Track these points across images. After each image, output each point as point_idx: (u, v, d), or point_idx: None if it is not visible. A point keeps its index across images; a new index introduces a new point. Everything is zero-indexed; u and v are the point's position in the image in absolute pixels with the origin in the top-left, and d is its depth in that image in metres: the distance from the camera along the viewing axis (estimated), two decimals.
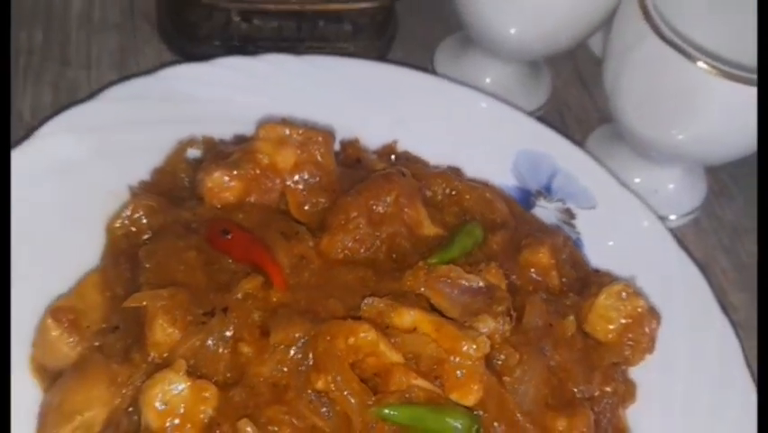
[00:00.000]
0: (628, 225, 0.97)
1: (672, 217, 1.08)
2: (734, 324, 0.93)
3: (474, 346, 0.71)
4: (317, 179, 0.85)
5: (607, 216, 0.98)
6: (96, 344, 0.75)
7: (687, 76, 0.91)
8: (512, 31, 1.05)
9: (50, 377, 0.75)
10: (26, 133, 0.89)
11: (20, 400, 0.73)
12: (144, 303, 0.72)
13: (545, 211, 0.99)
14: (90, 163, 0.88)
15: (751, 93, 0.89)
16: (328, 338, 0.70)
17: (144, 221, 0.82)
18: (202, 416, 0.68)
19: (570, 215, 0.99)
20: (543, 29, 1.04)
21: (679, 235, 1.01)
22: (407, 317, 0.73)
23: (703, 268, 0.98)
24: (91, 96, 0.96)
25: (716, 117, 0.94)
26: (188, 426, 0.68)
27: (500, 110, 1.03)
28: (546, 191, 1.00)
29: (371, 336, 0.69)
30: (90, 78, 1.06)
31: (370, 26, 1.11)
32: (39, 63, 1.05)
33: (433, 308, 0.77)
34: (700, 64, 0.90)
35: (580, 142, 1.11)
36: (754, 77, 0.89)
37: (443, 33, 1.22)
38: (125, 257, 0.80)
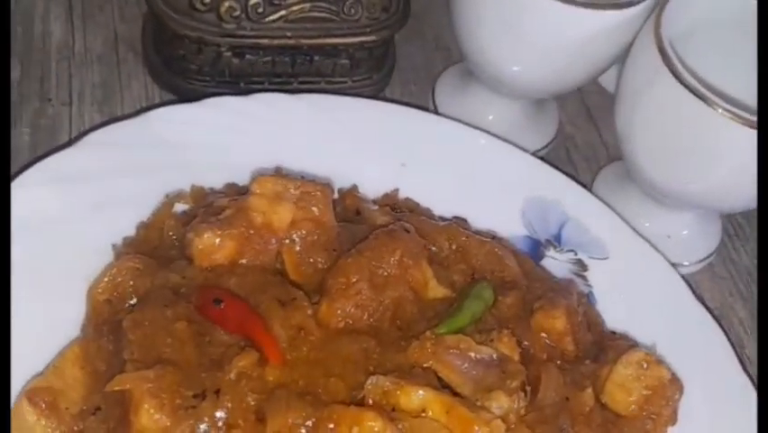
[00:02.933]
0: (643, 278, 0.92)
1: (686, 263, 1.03)
2: (753, 381, 0.88)
3: (488, 430, 0.66)
4: (315, 237, 0.80)
5: (620, 268, 0.93)
6: (76, 428, 0.69)
7: (705, 122, 0.86)
8: (515, 68, 0.99)
9: None
10: None
11: None
12: (128, 386, 0.66)
13: (556, 263, 0.93)
14: (70, 218, 0.82)
15: None
16: (331, 426, 0.64)
17: (129, 285, 0.76)
18: None
19: (582, 266, 0.94)
20: (550, 67, 0.98)
21: (693, 283, 0.96)
22: (415, 397, 0.67)
23: (720, 319, 0.93)
24: (72, 140, 0.90)
25: (735, 167, 0.88)
26: None
27: (507, 153, 0.98)
28: (556, 241, 0.95)
29: (379, 425, 0.64)
30: (72, 116, 0.99)
31: (368, 60, 1.05)
32: (16, 101, 0.98)
33: (442, 383, 0.71)
34: (720, 111, 0.85)
35: (588, 183, 1.06)
36: None
37: (444, 63, 1.16)
38: (108, 327, 0.74)
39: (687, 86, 0.86)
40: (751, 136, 0.84)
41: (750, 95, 0.91)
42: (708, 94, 0.85)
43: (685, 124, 0.88)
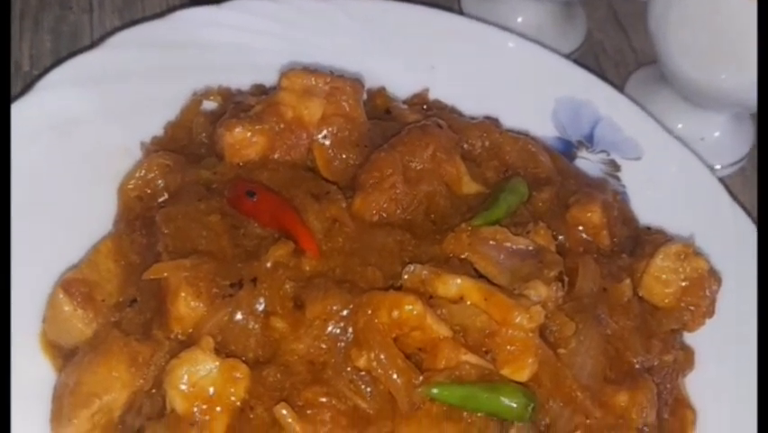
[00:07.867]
0: (677, 178, 0.91)
1: (718, 167, 1.01)
2: None
3: (528, 316, 0.65)
4: (346, 133, 0.78)
5: (654, 168, 0.92)
6: (113, 319, 0.69)
7: (744, 13, 0.84)
8: None
9: (64, 355, 0.69)
10: (26, 86, 0.82)
11: (31, 380, 0.67)
12: (165, 274, 0.66)
13: (589, 163, 0.92)
14: (97, 118, 0.81)
15: None
16: (369, 311, 0.64)
17: (160, 182, 0.75)
18: (233, 398, 0.62)
19: (614, 167, 0.92)
20: None
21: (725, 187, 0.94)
22: (453, 285, 0.66)
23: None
24: (95, 43, 0.88)
25: None
26: (218, 409, 0.62)
27: (538, 54, 0.96)
28: (588, 141, 0.93)
29: (418, 308, 0.63)
30: (93, 23, 0.98)
31: None
32: (37, 7, 0.96)
33: (478, 275, 0.70)
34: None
35: (619, 87, 1.04)
36: None
37: None
38: (140, 221, 0.74)
39: None
40: None
41: None
42: None
43: (723, 17, 0.86)
